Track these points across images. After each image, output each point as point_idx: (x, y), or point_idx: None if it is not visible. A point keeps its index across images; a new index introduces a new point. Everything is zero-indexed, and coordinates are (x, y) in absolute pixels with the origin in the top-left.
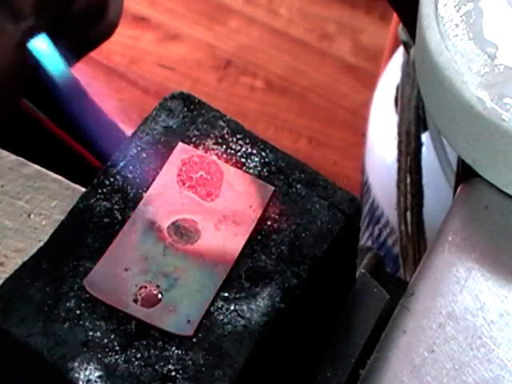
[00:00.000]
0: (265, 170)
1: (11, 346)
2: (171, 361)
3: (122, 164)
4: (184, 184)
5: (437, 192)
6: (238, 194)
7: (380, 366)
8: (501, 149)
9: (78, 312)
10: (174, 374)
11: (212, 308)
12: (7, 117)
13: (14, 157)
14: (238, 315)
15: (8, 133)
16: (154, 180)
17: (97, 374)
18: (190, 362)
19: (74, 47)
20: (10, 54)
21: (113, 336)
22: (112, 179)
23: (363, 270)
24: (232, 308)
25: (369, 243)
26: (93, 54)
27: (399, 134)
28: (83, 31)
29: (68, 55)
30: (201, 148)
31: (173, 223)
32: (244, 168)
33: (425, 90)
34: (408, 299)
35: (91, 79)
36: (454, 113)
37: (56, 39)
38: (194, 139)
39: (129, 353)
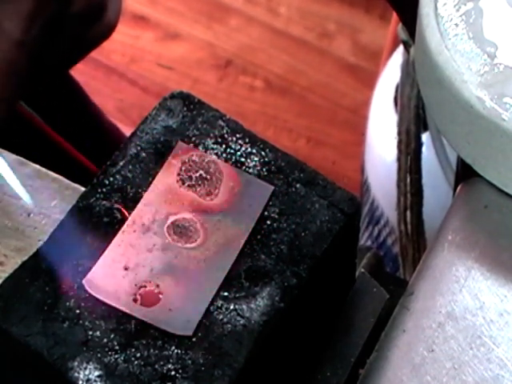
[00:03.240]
0: (264, 169)
1: (11, 346)
2: (171, 360)
3: (121, 163)
4: (183, 183)
5: (436, 191)
6: (237, 193)
7: (380, 366)
8: (500, 148)
9: (78, 311)
10: (173, 373)
11: (212, 307)
12: (7, 117)
13: (14, 156)
14: (238, 315)
15: (6, 135)
16: (153, 179)
17: (96, 373)
18: (189, 362)
19: (73, 48)
20: (9, 52)
21: (112, 335)
22: (112, 178)
23: (363, 270)
24: (232, 307)
25: (368, 243)
26: (92, 53)
27: (399, 134)
28: (82, 31)
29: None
30: (200, 147)
31: (172, 222)
32: (243, 167)
33: (424, 89)
34: (407, 299)
35: (90, 78)
36: (454, 112)
37: (54, 39)
38: (193, 139)
39: (128, 352)
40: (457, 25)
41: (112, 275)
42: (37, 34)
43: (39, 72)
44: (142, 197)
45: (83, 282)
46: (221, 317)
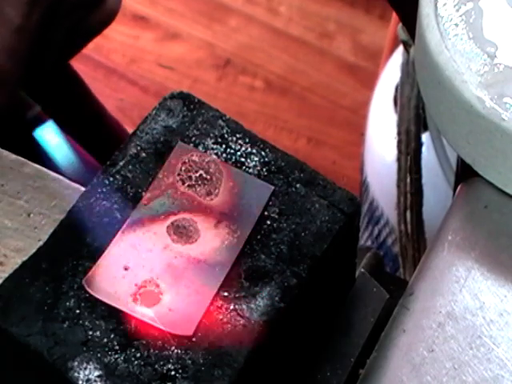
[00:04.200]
0: (264, 169)
1: (11, 346)
2: (171, 360)
3: (121, 163)
4: (183, 183)
5: (436, 191)
6: (237, 193)
7: (380, 366)
8: (500, 148)
9: (78, 311)
10: (173, 373)
11: (211, 307)
12: (8, 102)
13: (13, 156)
14: (238, 314)
15: (7, 134)
16: (153, 179)
17: (96, 373)
18: (189, 362)
19: (73, 35)
20: (8, 38)
21: (112, 335)
22: (112, 178)
23: (363, 270)
24: (231, 307)
25: (368, 243)
26: (92, 53)
27: (399, 134)
28: (82, 18)
29: (67, 45)
30: (200, 147)
31: (172, 223)
32: (243, 167)
33: (424, 89)
34: (407, 299)
35: (90, 79)
36: (454, 112)
37: (55, 25)
38: (193, 139)
39: (128, 352)
40: (457, 25)
41: (112, 275)
42: (37, 19)
43: (40, 59)
44: (142, 197)
45: (83, 282)
46: (221, 317)
